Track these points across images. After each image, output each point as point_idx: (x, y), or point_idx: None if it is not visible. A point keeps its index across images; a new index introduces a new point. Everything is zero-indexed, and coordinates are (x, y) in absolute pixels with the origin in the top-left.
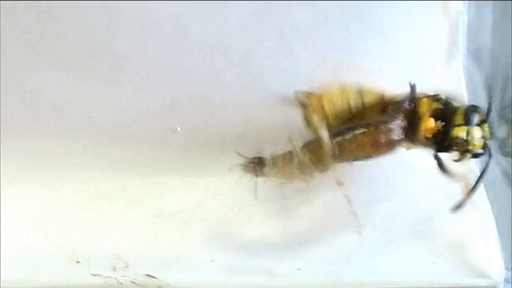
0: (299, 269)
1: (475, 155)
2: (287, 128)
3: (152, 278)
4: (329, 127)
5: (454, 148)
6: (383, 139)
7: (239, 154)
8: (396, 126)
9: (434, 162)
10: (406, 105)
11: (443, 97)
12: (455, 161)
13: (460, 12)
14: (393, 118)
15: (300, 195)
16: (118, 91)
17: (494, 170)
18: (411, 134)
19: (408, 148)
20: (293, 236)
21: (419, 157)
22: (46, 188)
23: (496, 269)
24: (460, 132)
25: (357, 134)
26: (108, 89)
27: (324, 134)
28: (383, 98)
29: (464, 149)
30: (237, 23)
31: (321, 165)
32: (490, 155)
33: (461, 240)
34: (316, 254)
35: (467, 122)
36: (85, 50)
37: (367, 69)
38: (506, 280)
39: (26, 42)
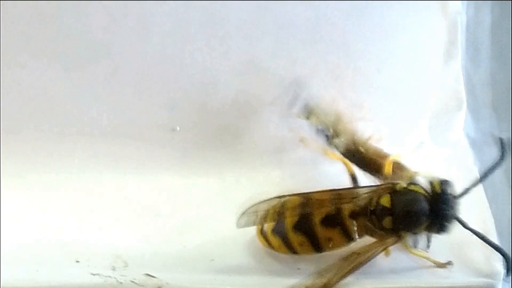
0: (298, 268)
1: None
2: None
3: (151, 278)
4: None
5: None
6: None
7: None
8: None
9: None
10: None
11: None
12: None
13: (459, 11)
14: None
15: None
16: (118, 91)
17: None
18: None
19: None
20: None
21: None
22: (46, 188)
23: (495, 268)
24: None
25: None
26: (108, 89)
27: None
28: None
29: None
30: (237, 23)
31: None
32: None
33: (460, 239)
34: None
35: None
36: (85, 50)
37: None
38: (505, 280)
39: (26, 42)
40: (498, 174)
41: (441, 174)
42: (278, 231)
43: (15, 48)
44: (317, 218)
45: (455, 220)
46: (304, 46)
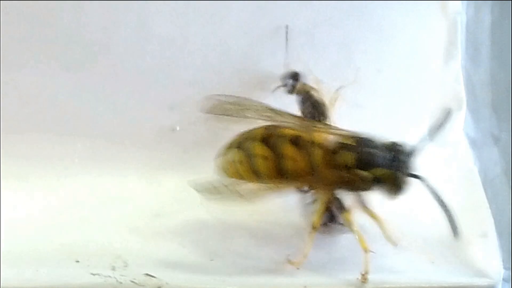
0: (298, 268)
1: None
2: None
3: (151, 278)
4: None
5: None
6: None
7: None
8: None
9: None
10: None
11: None
12: None
13: (459, 12)
14: None
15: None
16: (118, 91)
17: (493, 169)
18: None
19: None
20: (292, 236)
21: None
22: (46, 188)
23: (495, 268)
24: None
25: None
26: (108, 89)
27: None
28: None
29: None
30: (236, 23)
31: None
32: None
33: (460, 239)
34: (315, 254)
35: None
36: (85, 50)
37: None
38: (504, 280)
39: (26, 42)
40: (498, 174)
41: (441, 174)
42: (243, 148)
43: (15, 48)
44: (285, 137)
45: (411, 175)
46: (304, 46)
